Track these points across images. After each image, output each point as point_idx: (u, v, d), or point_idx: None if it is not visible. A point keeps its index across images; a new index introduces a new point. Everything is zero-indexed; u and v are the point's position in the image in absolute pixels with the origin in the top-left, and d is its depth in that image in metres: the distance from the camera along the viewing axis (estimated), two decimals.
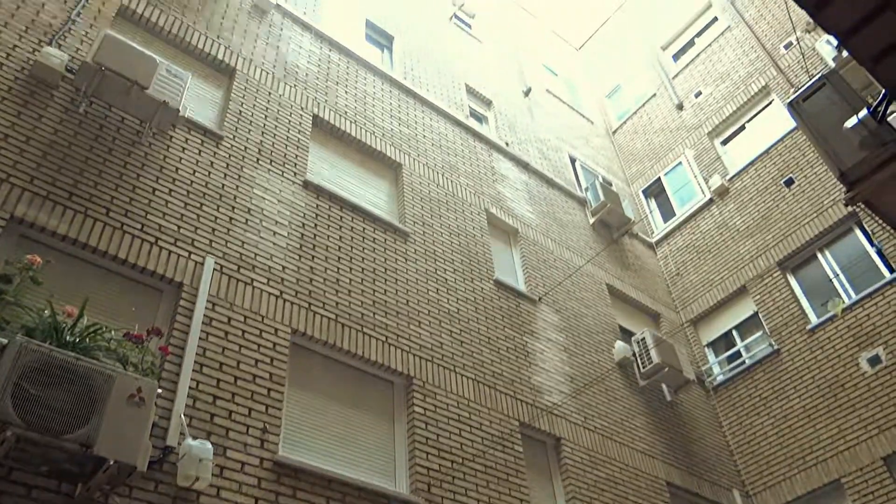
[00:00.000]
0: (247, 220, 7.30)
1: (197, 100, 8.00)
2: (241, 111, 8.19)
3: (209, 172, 7.30)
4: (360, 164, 9.37)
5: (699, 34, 15.93)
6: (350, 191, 8.86)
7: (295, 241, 7.56)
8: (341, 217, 8.28)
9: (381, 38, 11.98)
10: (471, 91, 12.92)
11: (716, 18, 15.59)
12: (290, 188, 7.95)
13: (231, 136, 7.84)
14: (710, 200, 13.25)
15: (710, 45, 15.18)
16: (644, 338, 10.21)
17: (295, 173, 8.15)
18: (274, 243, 7.34)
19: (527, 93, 14.49)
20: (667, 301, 12.75)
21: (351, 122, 9.50)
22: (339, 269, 7.78)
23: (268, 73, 8.95)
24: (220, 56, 8.53)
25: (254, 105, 8.40)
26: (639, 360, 10.11)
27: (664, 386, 10.46)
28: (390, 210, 9.23)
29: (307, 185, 8.17)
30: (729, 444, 10.66)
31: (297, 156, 8.37)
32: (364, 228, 8.44)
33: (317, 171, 8.62)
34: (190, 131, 7.45)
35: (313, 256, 7.63)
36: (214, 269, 6.67)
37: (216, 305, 6.44)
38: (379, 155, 9.63)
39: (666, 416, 10.14)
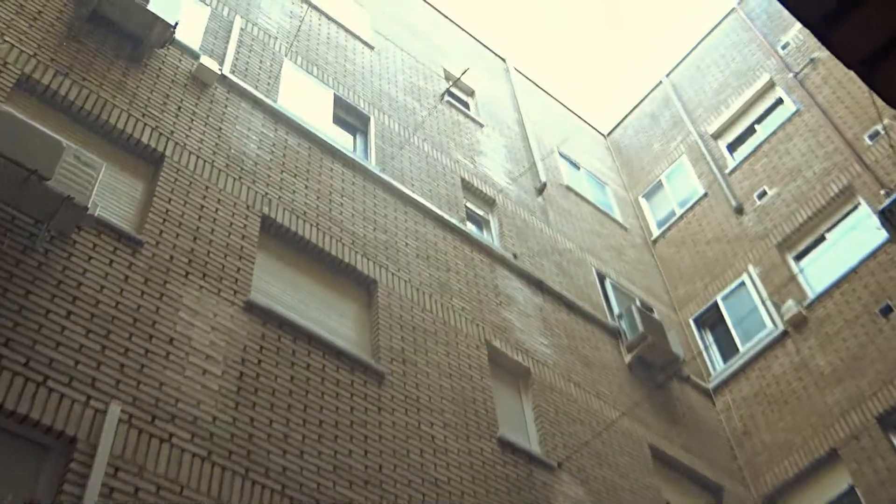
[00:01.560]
0: (168, 353, 7.29)
1: (112, 195, 8.22)
2: (167, 210, 8.40)
3: (121, 290, 7.37)
4: (323, 280, 9.51)
5: (760, 120, 16.74)
6: (307, 316, 8.93)
7: (231, 383, 7.53)
8: (294, 351, 8.30)
9: (354, 119, 12.50)
10: (468, 187, 13.35)
11: (780, 101, 16.43)
12: (228, 311, 8.02)
13: (153, 243, 7.99)
14: (784, 334, 13.41)
15: (774, 133, 15.92)
16: None
17: (235, 292, 8.25)
18: (203, 385, 7.30)
19: (541, 190, 14.98)
20: (731, 469, 12.58)
21: (312, 225, 9.73)
22: (288, 421, 7.70)
23: (206, 161, 9.26)
24: (144, 139, 8.85)
25: (185, 202, 8.62)
26: None
27: None
28: (360, 342, 9.26)
29: (251, 307, 8.24)
30: None
31: (238, 269, 8.50)
32: (325, 367, 8.44)
33: (264, 290, 8.72)
34: (100, 235, 7.59)
35: (255, 404, 7.58)
36: (121, 420, 6.59)
37: (119, 470, 6.32)
38: (347, 269, 9.79)
39: None
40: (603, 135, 20.42)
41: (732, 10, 18.80)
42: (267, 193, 9.59)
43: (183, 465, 6.72)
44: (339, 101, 12.37)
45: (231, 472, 6.98)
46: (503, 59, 19.09)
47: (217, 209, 8.86)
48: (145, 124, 8.99)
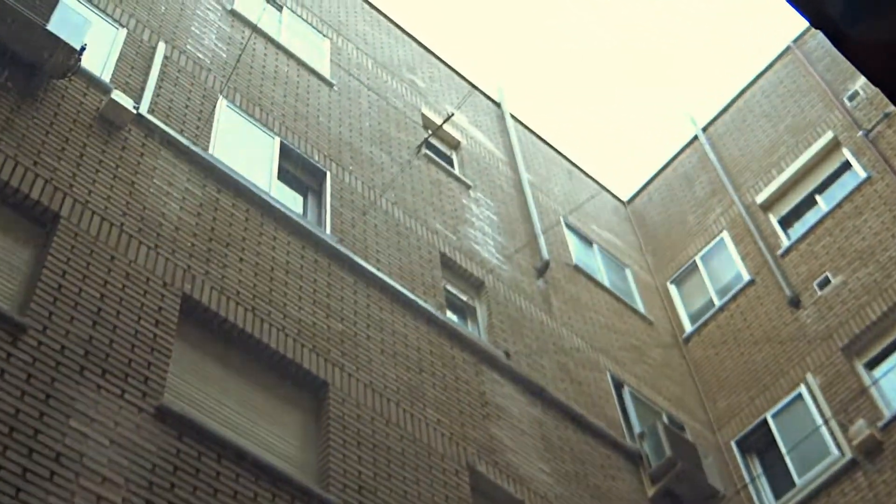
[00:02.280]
0: (53, 473, 7.19)
1: None
2: (60, 286, 8.38)
3: None
4: (258, 381, 9.47)
5: (822, 188, 17.06)
6: (237, 427, 8.85)
7: None
8: (218, 473, 8.20)
9: (306, 175, 12.63)
10: (450, 265, 13.44)
11: (847, 165, 16.77)
12: (134, 419, 7.94)
13: (40, 328, 7.94)
14: (853, 463, 13.40)
15: (840, 205, 16.21)
16: None
17: (144, 394, 8.19)
18: None
19: (542, 271, 15.10)
20: None
21: (246, 309, 9.73)
22: None
23: (113, 224, 9.28)
24: (34, 195, 8.88)
25: (84, 276, 8.60)
26: None
27: None
28: (305, 464, 9.17)
29: (163, 414, 8.17)
30: None
31: (149, 364, 8.45)
32: (257, 495, 8.33)
33: (182, 392, 8.66)
34: None
35: None
36: None
37: None
38: (290, 367, 9.76)
39: None
40: (623, 202, 20.70)
41: (787, 49, 19.31)
42: (190, 267, 9.60)
43: None
44: (286, 152, 12.49)
45: None
46: (498, 104, 19.44)
47: (124, 286, 8.85)
48: (36, 175, 9.02)
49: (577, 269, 16.26)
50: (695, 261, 18.08)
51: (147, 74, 11.35)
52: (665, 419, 14.26)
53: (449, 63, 18.99)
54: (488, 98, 19.35)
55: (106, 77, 10.80)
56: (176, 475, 7.91)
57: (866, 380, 14.12)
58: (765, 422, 14.90)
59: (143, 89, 11.09)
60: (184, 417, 8.26)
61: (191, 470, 8.04)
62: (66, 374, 7.82)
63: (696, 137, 20.13)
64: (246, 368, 9.48)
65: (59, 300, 8.26)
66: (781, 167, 17.63)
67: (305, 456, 9.26)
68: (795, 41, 19.22)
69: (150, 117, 10.73)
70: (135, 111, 10.50)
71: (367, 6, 18.07)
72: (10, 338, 7.69)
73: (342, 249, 11.55)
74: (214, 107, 11.88)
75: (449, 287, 13.19)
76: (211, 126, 11.60)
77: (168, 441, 8.06)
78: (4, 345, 7.62)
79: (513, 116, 19.42)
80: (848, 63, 17.58)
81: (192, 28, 12.89)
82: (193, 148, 10.88)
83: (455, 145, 16.69)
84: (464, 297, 13.36)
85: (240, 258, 10.26)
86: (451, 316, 12.69)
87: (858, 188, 15.98)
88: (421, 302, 11.96)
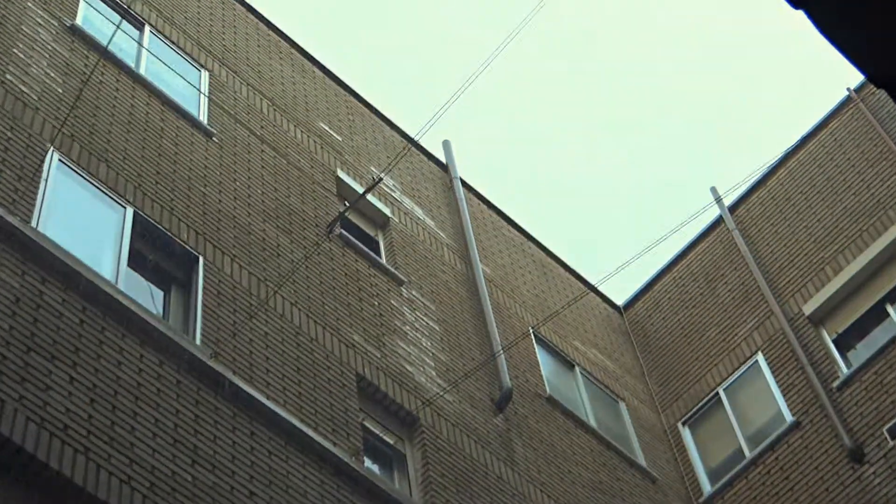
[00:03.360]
0: None
1: None
2: None
3: None
4: None
5: (893, 296, 17.24)
6: None
7: None
8: None
9: (168, 261, 12.60)
10: (371, 395, 13.43)
11: None
12: None
13: None
14: None
15: None
16: None
17: None
18: None
19: (502, 404, 15.11)
20: None
21: (76, 451, 9.64)
22: None
23: None
24: None
25: None
26: None
27: None
28: None
29: None
30: None
31: None
32: None
33: None
34: None
35: None
36: None
37: None
38: None
39: None
40: (618, 309, 20.85)
41: (846, 98, 19.69)
42: (2, 392, 9.54)
43: None
44: (142, 228, 12.50)
45: None
46: (444, 167, 19.62)
47: None
48: None
49: (550, 401, 16.30)
50: (717, 393, 18.16)
51: None
52: None
53: (377, 108, 19.18)
54: (431, 158, 19.52)
55: None
56: None
57: None
58: None
59: None
60: None
61: None
62: None
63: (720, 220, 20.34)
64: None
65: None
66: (839, 265, 17.83)
67: None
68: (858, 90, 19.57)
69: None
70: None
71: (262, 26, 18.28)
72: None
73: (217, 368, 11.52)
74: (42, 162, 11.91)
75: (369, 424, 13.16)
76: (36, 189, 11.60)
77: None
78: None
79: (465, 184, 19.55)
80: None
81: (15, 50, 12.98)
82: (9, 219, 10.85)
83: (382, 223, 16.79)
84: (389, 440, 13.33)
85: (70, 378, 10.19)
86: (370, 466, 12.65)
87: None
88: (328, 445, 11.91)
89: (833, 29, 4.08)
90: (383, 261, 15.86)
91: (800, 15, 4.10)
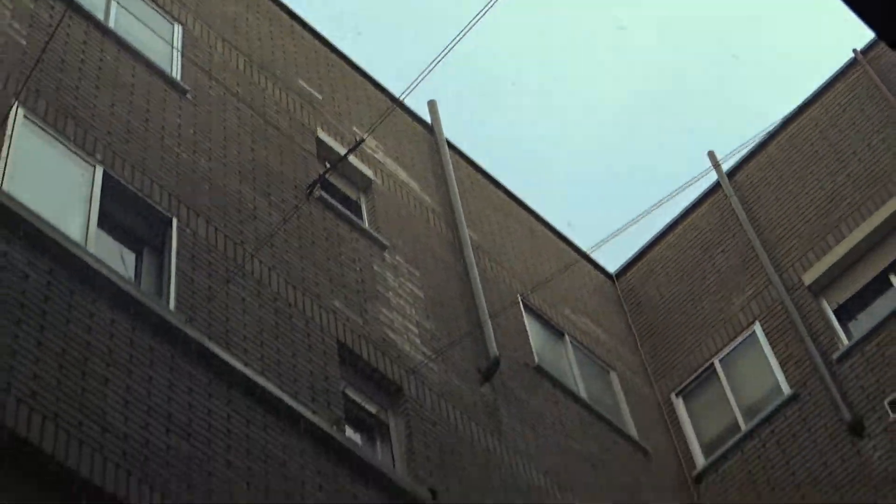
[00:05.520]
0: None
1: None
2: None
3: None
4: None
5: (877, 282, 17.33)
6: None
7: None
8: None
9: (139, 222, 12.63)
10: (352, 361, 13.50)
11: None
12: None
13: None
14: None
15: None
16: None
17: None
18: None
19: (488, 373, 15.15)
20: None
21: (45, 417, 9.66)
22: None
23: None
24: None
25: None
26: None
27: None
28: None
29: None
30: None
31: None
32: None
33: None
34: None
35: None
36: None
37: None
38: None
39: None
40: (610, 277, 20.88)
41: (852, 61, 19.62)
42: None
43: None
44: (112, 188, 12.51)
45: None
46: (429, 127, 19.61)
47: None
48: None
49: (539, 371, 16.34)
50: (713, 364, 18.23)
51: None
52: None
53: (360, 66, 19.15)
54: (416, 118, 19.51)
55: None
56: None
57: None
58: None
59: None
60: None
61: None
62: None
63: (717, 185, 20.33)
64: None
65: None
66: (841, 233, 17.86)
67: None
68: (865, 51, 19.52)
69: None
70: None
71: None
72: None
73: (192, 334, 11.54)
74: (6, 118, 11.90)
75: (350, 393, 13.20)
76: (0, 146, 11.59)
77: None
78: None
79: (451, 146, 19.55)
80: None
81: None
82: None
83: (364, 186, 16.79)
84: (371, 409, 13.37)
85: (37, 342, 10.19)
86: (352, 435, 12.69)
87: None
88: (308, 414, 11.95)
89: None
90: (365, 224, 15.85)
91: None
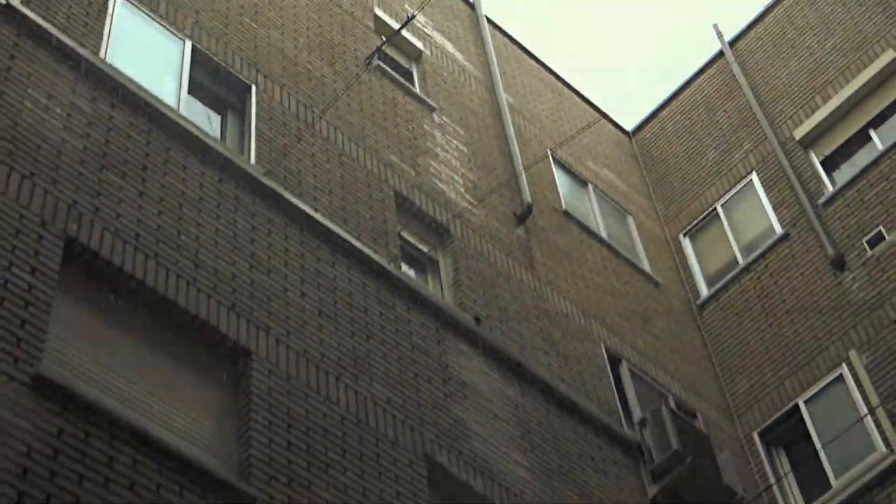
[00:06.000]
0: None
1: None
2: None
3: None
4: (163, 348, 9.51)
5: (877, 122, 17.13)
6: (135, 404, 8.88)
7: None
8: (111, 460, 8.25)
9: (224, 89, 12.62)
10: (407, 208, 13.50)
11: None
12: (4, 390, 7.96)
13: None
14: None
15: None
16: None
17: (17, 359, 8.21)
18: None
19: (523, 217, 15.16)
20: None
21: (147, 256, 9.74)
22: None
23: None
24: None
25: None
26: None
27: None
28: (221, 450, 9.23)
29: (41, 384, 8.20)
30: None
31: (23, 322, 8.46)
32: (160, 486, 8.39)
33: (64, 358, 8.68)
34: None
35: None
36: None
37: None
38: (204, 330, 9.81)
39: None
40: (627, 133, 20.78)
41: None
42: (76, 202, 9.59)
43: None
44: (200, 59, 12.46)
45: None
46: (471, 5, 19.40)
47: None
48: None
49: (566, 215, 16.33)
50: (715, 209, 18.18)
51: None
52: (672, 403, 14.42)
53: None
54: None
55: None
56: (57, 460, 7.95)
57: None
58: (796, 409, 15.07)
59: None
60: (66, 389, 8.29)
61: (75, 454, 8.08)
62: None
63: (721, 54, 20.15)
64: (146, 330, 9.50)
65: None
66: (828, 94, 17.70)
67: (221, 440, 9.30)
68: None
69: (23, 9, 10.62)
70: (2, 2, 10.41)
71: None
72: None
73: (270, 184, 11.56)
74: (107, 1, 11.81)
75: (405, 234, 13.24)
76: (103, 23, 11.53)
77: (47, 418, 8.09)
78: None
79: (490, 21, 19.38)
80: None
81: None
82: (80, 51, 10.81)
83: (416, 56, 16.66)
84: (423, 248, 13.41)
85: (139, 192, 10.25)
86: (407, 270, 12.75)
87: None
88: (370, 252, 12.01)
89: None
90: (417, 90, 15.77)
91: None
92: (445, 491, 10.82)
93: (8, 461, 7.71)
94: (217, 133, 12.13)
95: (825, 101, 17.62)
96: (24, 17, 10.63)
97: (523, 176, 15.76)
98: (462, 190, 14.64)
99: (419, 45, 16.70)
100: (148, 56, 11.86)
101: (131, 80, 11.08)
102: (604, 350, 14.45)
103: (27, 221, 9.12)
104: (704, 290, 17.42)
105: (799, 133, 17.68)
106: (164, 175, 10.66)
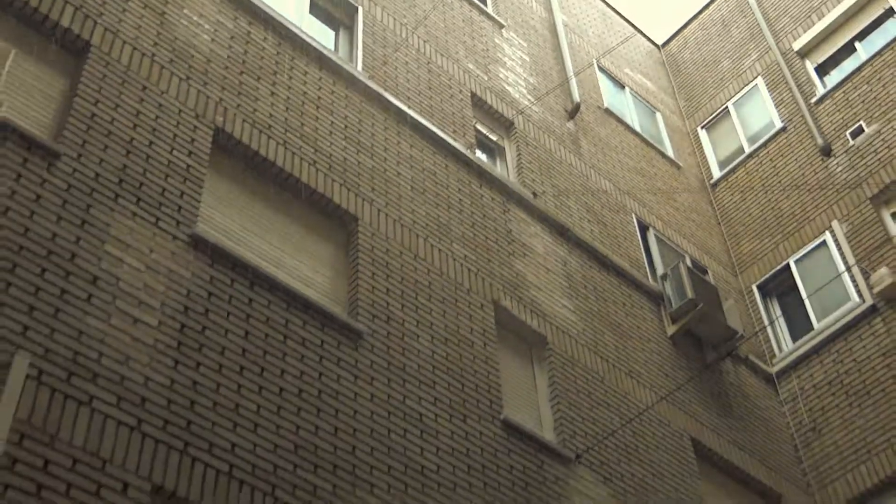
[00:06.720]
0: (90, 295, 7.39)
1: (22, 92, 8.25)
2: (93, 115, 8.44)
3: (32, 212, 7.46)
4: (289, 213, 9.60)
5: (862, 35, 16.65)
6: (269, 257, 9.03)
7: (170, 337, 7.64)
8: (251, 300, 8.41)
9: (337, 10, 12.49)
10: (480, 105, 13.37)
11: (892, 11, 16.32)
12: (168, 246, 8.11)
13: (74, 155, 8.04)
14: (873, 309, 13.52)
15: (880, 53, 15.88)
16: None
17: (178, 222, 8.33)
18: (134, 338, 7.42)
19: (572, 113, 15.00)
20: (793, 474, 12.78)
21: (278, 142, 9.79)
22: (240, 387, 7.83)
23: (144, 54, 9.27)
24: (64, 22, 8.84)
25: (116, 105, 8.65)
26: None
27: None
28: (334, 293, 9.37)
29: (197, 242, 8.34)
30: None
31: (182, 194, 8.57)
32: (288, 321, 8.55)
33: (214, 221, 8.81)
34: (5, 142, 7.65)
35: (199, 364, 7.70)
36: (28, 376, 6.72)
37: (26, 438, 6.46)
38: (321, 200, 9.88)
39: None
40: (657, 46, 20.33)
41: None
42: (222, 100, 9.62)
43: (106, 435, 6.85)
44: None
45: (166, 447, 7.12)
46: None
47: (157, 116, 8.90)
48: (66, 2, 8.96)
49: (607, 112, 16.13)
50: (727, 107, 17.87)
51: None
52: (688, 262, 14.38)
53: None
54: None
55: None
56: (209, 301, 8.12)
57: (892, 229, 14.12)
58: (787, 267, 14.99)
59: None
60: (217, 246, 8.43)
61: (223, 296, 8.24)
62: (100, 200, 7.95)
63: None
64: (278, 201, 9.60)
65: (92, 129, 8.33)
66: (822, 12, 17.18)
67: (334, 285, 9.46)
68: None
69: None
70: None
71: None
72: (44, 164, 7.80)
73: (373, 86, 11.50)
74: None
75: (479, 127, 13.16)
76: None
77: (201, 268, 8.25)
78: (39, 170, 7.73)
79: None
80: None
81: None
82: None
83: None
84: (493, 138, 13.33)
85: (271, 92, 10.26)
86: (480, 155, 12.70)
87: None
88: (451, 140, 11.96)
89: None
90: (489, 10, 15.49)
91: None
92: (508, 328, 10.93)
93: (173, 301, 7.88)
94: (332, 45, 12.04)
95: (819, 19, 17.12)
96: None
97: (573, 80, 15.52)
98: (524, 91, 14.47)
99: None
100: None
101: (264, 3, 10.99)
102: (634, 219, 14.37)
103: (184, 115, 9.17)
104: (717, 172, 17.19)
105: (797, 45, 17.22)
106: (290, 79, 10.63)
